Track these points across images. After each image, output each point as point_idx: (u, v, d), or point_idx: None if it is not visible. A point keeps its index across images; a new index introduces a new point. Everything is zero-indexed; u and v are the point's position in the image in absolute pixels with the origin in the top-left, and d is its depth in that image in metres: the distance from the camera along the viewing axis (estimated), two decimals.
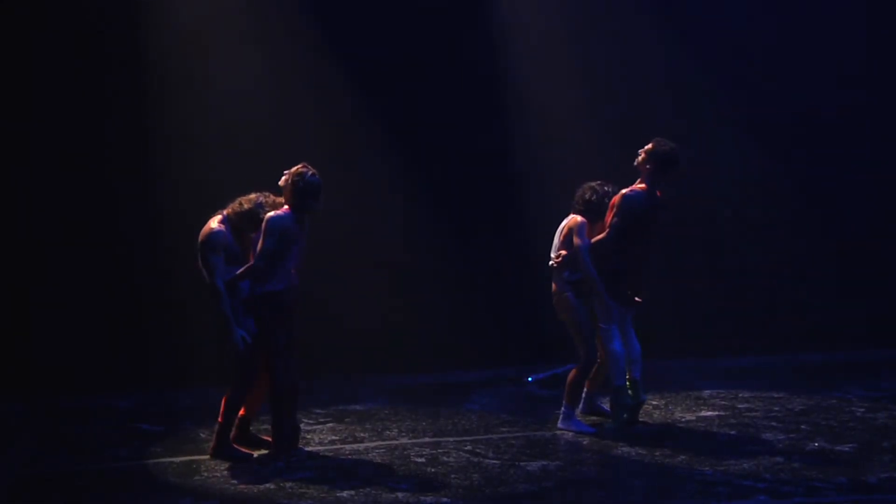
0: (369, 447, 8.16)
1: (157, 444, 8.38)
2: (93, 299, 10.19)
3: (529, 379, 10.26)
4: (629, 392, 8.38)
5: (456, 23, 10.94)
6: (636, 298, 8.48)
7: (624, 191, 8.28)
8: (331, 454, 8.01)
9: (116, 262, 10.27)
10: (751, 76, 11.31)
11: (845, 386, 9.62)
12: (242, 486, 7.27)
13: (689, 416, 8.81)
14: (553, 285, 8.53)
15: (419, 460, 7.78)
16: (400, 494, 7.02)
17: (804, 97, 11.28)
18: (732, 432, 8.30)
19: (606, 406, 8.63)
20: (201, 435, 8.44)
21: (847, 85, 11.36)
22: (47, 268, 10.14)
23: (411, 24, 10.76)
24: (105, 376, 10.04)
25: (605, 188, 8.46)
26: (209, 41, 10.34)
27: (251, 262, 7.71)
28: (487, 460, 7.73)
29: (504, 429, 8.61)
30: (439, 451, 7.99)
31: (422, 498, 6.95)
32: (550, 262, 8.51)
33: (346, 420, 8.98)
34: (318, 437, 8.45)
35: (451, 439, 8.31)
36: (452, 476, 7.36)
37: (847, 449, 7.74)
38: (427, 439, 8.36)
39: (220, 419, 7.83)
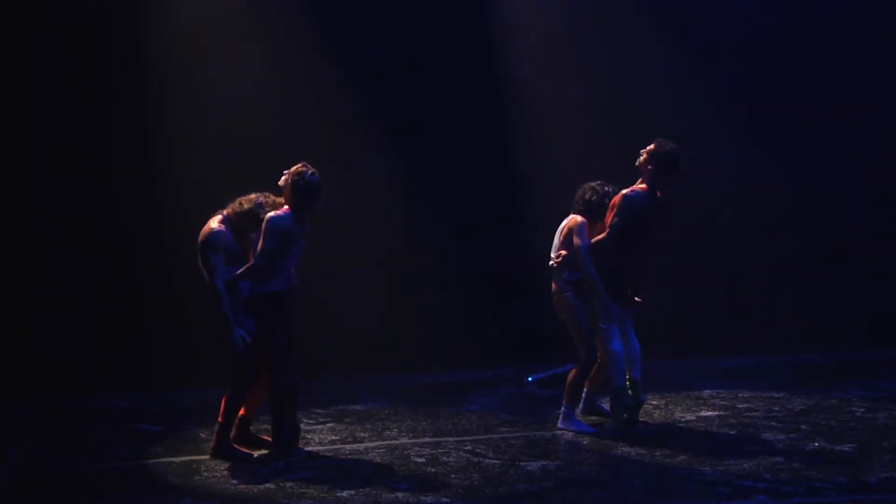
0: (369, 447, 8.16)
1: (157, 444, 8.38)
2: (93, 299, 10.19)
3: (529, 379, 10.26)
4: (629, 392, 8.37)
5: (456, 23, 10.94)
6: (636, 298, 8.48)
7: (624, 191, 8.28)
8: (331, 454, 8.01)
9: (116, 262, 10.27)
10: (751, 76, 11.31)
11: (845, 386, 9.61)
12: (242, 486, 7.27)
13: (689, 416, 8.81)
14: (553, 285, 8.53)
15: (419, 460, 7.78)
16: (400, 494, 7.02)
17: (804, 97, 11.27)
18: (732, 432, 8.29)
19: (606, 406, 8.63)
20: (201, 435, 8.44)
21: (847, 85, 11.36)
22: (47, 268, 10.14)
23: (411, 24, 10.76)
24: (105, 376, 10.04)
25: (606, 188, 8.45)
26: (209, 41, 10.34)
27: (251, 262, 7.71)
28: (487, 460, 7.72)
29: (504, 429, 8.61)
30: (439, 451, 7.99)
31: (422, 498, 6.95)
32: (550, 262, 8.51)
33: (346, 420, 8.98)
34: (318, 437, 8.45)
35: (451, 439, 8.31)
36: (452, 476, 7.36)
37: (847, 449, 7.73)
38: (427, 439, 8.36)
39: (220, 419, 7.83)
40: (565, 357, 9.58)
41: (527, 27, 11.03)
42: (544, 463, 7.63)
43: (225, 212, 7.84)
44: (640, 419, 8.55)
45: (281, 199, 7.80)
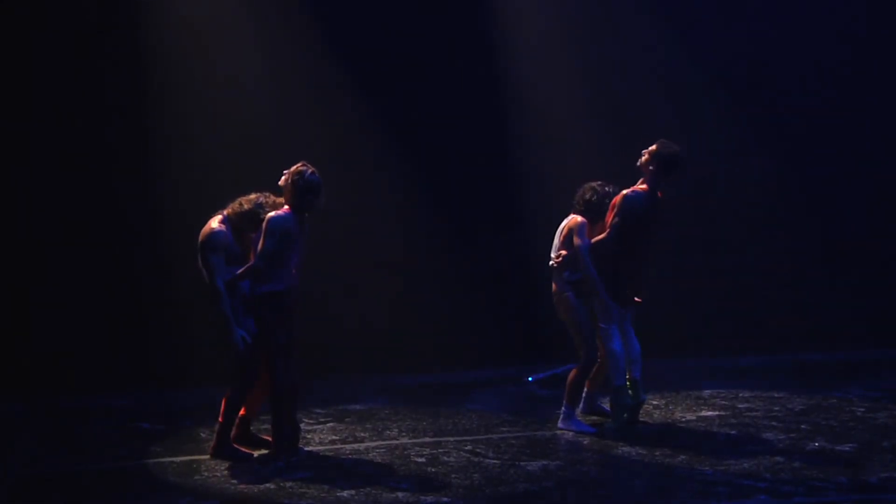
0: (369, 447, 8.16)
1: (158, 443, 8.38)
2: (93, 299, 10.19)
3: (529, 379, 10.26)
4: (629, 392, 8.37)
5: (456, 23, 10.94)
6: (636, 298, 8.48)
7: (625, 191, 8.28)
8: (331, 454, 8.01)
9: (116, 262, 10.27)
10: (751, 76, 11.31)
11: (845, 386, 9.62)
12: (242, 486, 7.27)
13: (689, 416, 8.81)
14: (553, 285, 8.53)
15: (419, 460, 7.78)
16: (400, 494, 7.02)
17: (804, 97, 11.27)
18: (732, 432, 8.30)
19: (606, 406, 8.63)
20: (201, 434, 8.45)
21: (847, 85, 11.36)
22: (47, 268, 10.14)
23: (411, 24, 10.76)
24: (105, 376, 10.04)
25: (606, 188, 8.45)
26: (209, 41, 10.34)
27: (251, 262, 7.71)
28: (488, 460, 7.73)
29: (504, 428, 8.61)
30: (439, 450, 7.99)
31: (422, 498, 6.95)
32: (550, 262, 8.51)
33: (346, 420, 8.98)
34: (318, 437, 8.45)
35: (451, 439, 8.31)
36: (453, 476, 7.37)
37: (847, 449, 7.74)
38: (427, 439, 8.36)
39: (220, 419, 7.83)
40: (565, 357, 9.59)
41: (527, 27, 11.03)
42: (545, 463, 7.63)
43: (225, 212, 7.84)
44: (641, 419, 8.55)
45: (281, 199, 7.79)
